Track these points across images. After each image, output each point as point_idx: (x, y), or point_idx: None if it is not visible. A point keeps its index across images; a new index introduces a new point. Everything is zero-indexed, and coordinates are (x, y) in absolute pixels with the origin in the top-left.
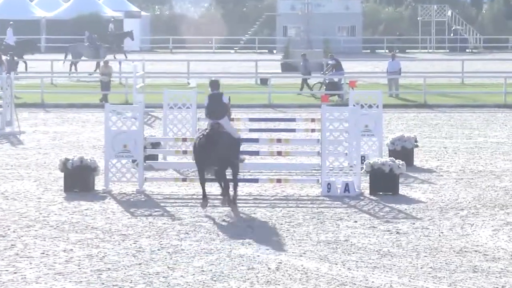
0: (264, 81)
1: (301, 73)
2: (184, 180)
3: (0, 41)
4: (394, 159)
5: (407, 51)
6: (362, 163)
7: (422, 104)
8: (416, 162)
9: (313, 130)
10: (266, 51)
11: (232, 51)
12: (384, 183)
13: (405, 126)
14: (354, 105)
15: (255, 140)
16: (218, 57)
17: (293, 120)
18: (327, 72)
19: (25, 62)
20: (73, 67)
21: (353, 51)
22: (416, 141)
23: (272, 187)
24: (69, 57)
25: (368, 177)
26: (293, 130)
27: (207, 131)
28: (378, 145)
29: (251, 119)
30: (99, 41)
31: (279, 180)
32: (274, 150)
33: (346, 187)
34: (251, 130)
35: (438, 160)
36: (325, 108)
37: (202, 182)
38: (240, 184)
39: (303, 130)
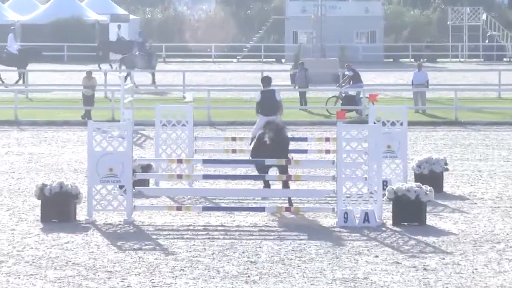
0: None
1: (297, 85)
2: (179, 208)
3: (0, 49)
4: (420, 184)
5: (436, 60)
6: (384, 189)
7: (452, 121)
8: (446, 188)
9: (327, 151)
10: (274, 60)
11: (235, 60)
12: (409, 212)
13: (433, 146)
14: (374, 122)
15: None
16: (218, 67)
17: (304, 139)
18: (343, 84)
19: (21, 75)
20: (128, 79)
21: (373, 60)
22: (446, 164)
23: (281, 217)
24: (123, 68)
25: (390, 206)
26: (304, 151)
27: (269, 126)
28: (403, 169)
29: None
30: (150, 47)
31: (288, 209)
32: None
33: (366, 217)
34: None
35: (472, 185)
36: (341, 125)
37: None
38: (243, 213)
39: (316, 151)
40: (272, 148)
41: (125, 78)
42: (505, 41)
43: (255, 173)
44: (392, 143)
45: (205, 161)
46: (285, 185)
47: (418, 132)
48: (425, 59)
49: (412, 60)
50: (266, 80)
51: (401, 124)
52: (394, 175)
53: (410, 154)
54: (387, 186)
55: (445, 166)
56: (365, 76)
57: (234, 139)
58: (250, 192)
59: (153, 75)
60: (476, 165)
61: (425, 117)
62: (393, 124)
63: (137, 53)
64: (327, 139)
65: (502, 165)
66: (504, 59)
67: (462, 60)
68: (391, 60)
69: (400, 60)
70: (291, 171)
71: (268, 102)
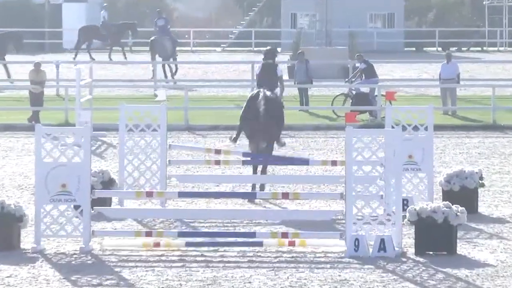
0: None
1: (296, 80)
2: (148, 234)
3: None
4: (450, 204)
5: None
6: (404, 209)
7: (490, 124)
8: (482, 208)
9: (334, 163)
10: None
11: (219, 49)
12: (436, 238)
13: (465, 156)
14: (392, 127)
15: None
16: (198, 58)
17: (305, 162)
18: (353, 79)
19: (6, 66)
20: (167, 69)
21: (391, 49)
22: (481, 179)
23: (276, 244)
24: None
25: (413, 230)
26: (305, 162)
27: (261, 93)
28: (428, 184)
29: (245, 155)
30: (169, 28)
31: (285, 234)
32: (278, 191)
33: (382, 244)
34: (246, 162)
35: None
36: (351, 130)
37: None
38: (230, 240)
39: (320, 162)
40: (263, 122)
41: (164, 69)
42: None
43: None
44: (415, 153)
45: (181, 194)
46: (264, 171)
47: (446, 139)
48: (455, 48)
49: (440, 49)
50: (270, 53)
51: (426, 128)
52: (417, 192)
53: (437, 166)
54: (408, 206)
55: (480, 181)
56: (381, 69)
57: (218, 151)
58: (237, 213)
59: (176, 66)
60: None
61: (456, 120)
62: (415, 128)
63: (167, 37)
64: (334, 163)
65: None
66: None
67: (501, 49)
68: (413, 49)
69: (425, 49)
70: (289, 187)
71: (268, 75)
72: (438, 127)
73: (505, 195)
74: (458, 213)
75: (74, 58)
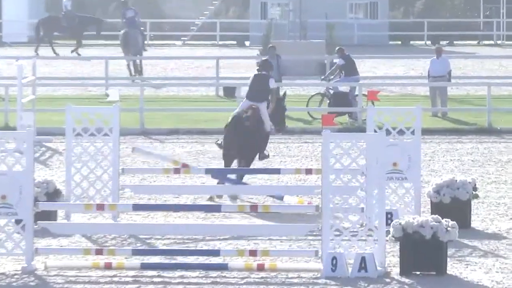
0: (230, 92)
1: None
2: (99, 252)
3: None
4: (439, 217)
5: (459, 42)
6: (388, 224)
7: (485, 128)
8: (476, 222)
9: (309, 171)
10: (234, 42)
11: (178, 42)
12: (423, 256)
13: (457, 164)
14: (375, 131)
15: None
16: (155, 53)
17: (276, 171)
18: (331, 77)
19: None
20: (132, 67)
21: (374, 42)
22: (475, 189)
23: (243, 263)
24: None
25: (397, 247)
26: (276, 171)
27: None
28: (415, 196)
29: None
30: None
31: (253, 252)
32: (246, 203)
33: (363, 263)
34: (208, 171)
35: (511, 218)
36: (328, 135)
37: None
38: (191, 258)
39: (293, 170)
40: (236, 140)
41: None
42: None
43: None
44: (400, 160)
45: (136, 207)
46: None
47: (436, 144)
48: (447, 42)
49: (429, 42)
50: (265, 65)
51: (413, 132)
52: (403, 204)
53: (425, 175)
54: (392, 220)
55: (474, 192)
56: (362, 66)
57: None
58: (199, 228)
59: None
60: None
61: (447, 123)
62: (401, 132)
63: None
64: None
65: None
66: None
67: (499, 42)
68: (399, 42)
69: (412, 42)
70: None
71: (258, 86)
72: (426, 131)
73: (502, 207)
74: (448, 228)
75: (36, 53)
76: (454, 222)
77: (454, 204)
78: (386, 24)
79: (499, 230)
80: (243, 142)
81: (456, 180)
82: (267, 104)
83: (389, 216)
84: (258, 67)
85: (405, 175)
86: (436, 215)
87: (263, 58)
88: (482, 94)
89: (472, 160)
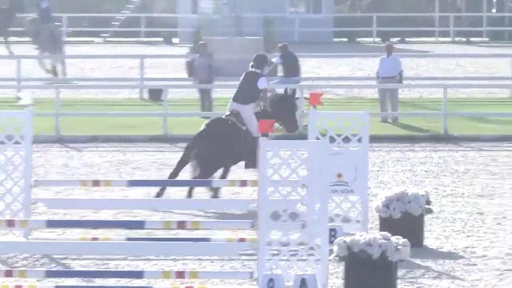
0: (156, 94)
1: (197, 78)
2: (8, 274)
3: None
4: (388, 235)
5: (412, 40)
6: (331, 242)
7: (440, 135)
8: (429, 240)
9: (243, 183)
10: (161, 40)
11: (99, 39)
12: (371, 278)
13: (409, 175)
14: (318, 138)
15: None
16: (72, 51)
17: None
18: (269, 78)
19: None
20: (48, 67)
21: (317, 39)
22: (428, 203)
23: (170, 286)
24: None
25: (342, 268)
26: (207, 183)
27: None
28: (361, 210)
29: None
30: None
31: (181, 274)
32: (173, 219)
33: (303, 286)
34: (131, 183)
35: (469, 236)
36: (265, 143)
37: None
38: (111, 280)
39: (227, 182)
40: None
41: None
42: None
43: (128, 216)
44: (346, 170)
45: (50, 223)
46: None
47: (385, 153)
48: (398, 39)
49: (378, 39)
50: (257, 61)
51: (360, 140)
52: (348, 220)
53: (373, 188)
54: (336, 238)
55: (427, 206)
56: (304, 65)
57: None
58: (120, 247)
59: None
60: (476, 204)
61: (397, 129)
62: (347, 140)
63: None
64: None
65: None
66: None
67: (456, 39)
68: (345, 39)
69: (359, 40)
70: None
71: (245, 85)
72: (375, 138)
73: (458, 223)
74: (399, 247)
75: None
76: (405, 239)
77: (405, 220)
78: (330, 19)
79: (455, 249)
80: (213, 151)
81: (408, 193)
82: (263, 107)
83: (333, 233)
84: (252, 63)
85: (351, 188)
86: (385, 232)
87: (258, 54)
88: (437, 97)
89: (426, 171)
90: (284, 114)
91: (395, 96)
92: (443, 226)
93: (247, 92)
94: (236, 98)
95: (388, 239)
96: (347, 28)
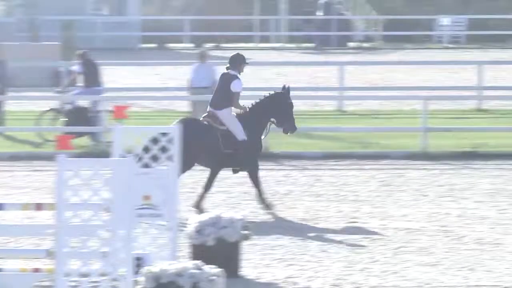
0: None
1: None
2: None
3: None
4: (201, 263)
5: (228, 46)
6: (137, 272)
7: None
8: (247, 269)
9: (39, 207)
10: None
11: None
12: None
13: (226, 197)
14: (123, 156)
15: None
16: None
17: None
18: (68, 88)
19: None
20: None
21: (123, 45)
22: (246, 228)
23: None
24: None
25: None
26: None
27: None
28: (172, 236)
29: None
30: None
31: None
32: None
33: None
34: None
35: (290, 264)
36: (64, 161)
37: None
38: None
39: (20, 206)
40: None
41: None
42: (353, 14)
43: None
44: (154, 192)
45: None
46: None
47: (198, 172)
48: (216, 45)
49: (191, 45)
50: (234, 61)
51: (170, 158)
52: (157, 247)
53: (185, 211)
54: (143, 267)
55: (244, 232)
56: (108, 74)
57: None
58: None
59: None
60: (298, 230)
61: None
62: (155, 158)
63: None
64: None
65: (346, 229)
66: (351, 45)
67: (277, 46)
68: (155, 45)
69: (170, 45)
70: None
71: (220, 89)
72: None
73: (278, 250)
74: (212, 277)
75: None
76: (220, 269)
77: (220, 247)
78: (137, 22)
79: (276, 279)
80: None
81: (223, 217)
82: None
83: (139, 262)
84: (227, 65)
85: (159, 211)
86: (198, 261)
87: (234, 53)
88: None
89: (244, 192)
90: (279, 114)
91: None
92: (262, 254)
93: (222, 95)
94: (211, 103)
95: (201, 269)
96: (156, 32)
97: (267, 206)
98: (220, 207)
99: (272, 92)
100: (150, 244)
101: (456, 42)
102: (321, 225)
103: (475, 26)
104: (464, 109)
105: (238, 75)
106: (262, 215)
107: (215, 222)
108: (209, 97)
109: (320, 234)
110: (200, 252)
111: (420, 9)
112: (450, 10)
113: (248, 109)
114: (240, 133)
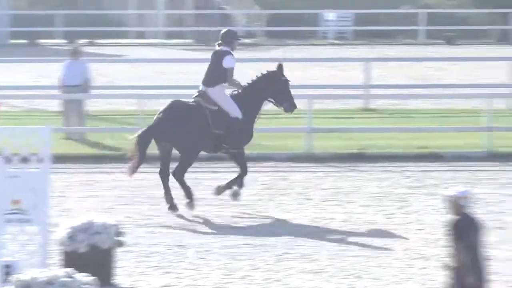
0: None
1: None
2: None
3: None
4: (73, 271)
5: (103, 42)
6: (6, 279)
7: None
8: (121, 277)
9: None
10: None
11: None
12: None
13: (98, 201)
14: None
15: None
16: None
17: None
18: None
19: None
20: None
21: None
22: (120, 234)
23: None
24: None
25: None
26: None
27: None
28: (42, 242)
29: None
30: None
31: None
32: None
33: None
34: None
35: (167, 272)
36: None
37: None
38: None
39: None
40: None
41: None
42: (234, 9)
43: None
44: (23, 196)
45: None
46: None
47: (71, 175)
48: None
49: (64, 41)
50: (226, 36)
51: (41, 160)
52: (26, 254)
53: (56, 217)
54: (11, 275)
55: (118, 238)
56: None
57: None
58: None
59: None
60: (176, 236)
61: (85, 148)
62: (25, 160)
63: None
64: None
65: (226, 234)
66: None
67: (155, 41)
68: (25, 41)
69: (41, 41)
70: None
71: (213, 66)
72: (59, 158)
73: (154, 258)
74: (84, 285)
75: None
76: (94, 277)
77: (93, 254)
78: (6, 17)
79: (151, 287)
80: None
81: (95, 223)
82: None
83: (8, 270)
84: (219, 41)
85: (29, 217)
86: (70, 269)
87: (225, 29)
88: (133, 109)
89: (119, 196)
90: (276, 93)
91: (81, 109)
92: (137, 261)
93: (214, 73)
94: (203, 81)
95: (72, 277)
96: (27, 28)
97: (234, 194)
98: (93, 212)
99: (264, 72)
100: (20, 251)
101: (342, 38)
102: (200, 230)
103: (362, 21)
104: (350, 109)
105: (231, 51)
106: (138, 220)
107: (88, 228)
108: (81, 96)
109: (198, 240)
110: (71, 259)
111: (305, 3)
112: (336, 4)
113: (242, 89)
114: (233, 110)
